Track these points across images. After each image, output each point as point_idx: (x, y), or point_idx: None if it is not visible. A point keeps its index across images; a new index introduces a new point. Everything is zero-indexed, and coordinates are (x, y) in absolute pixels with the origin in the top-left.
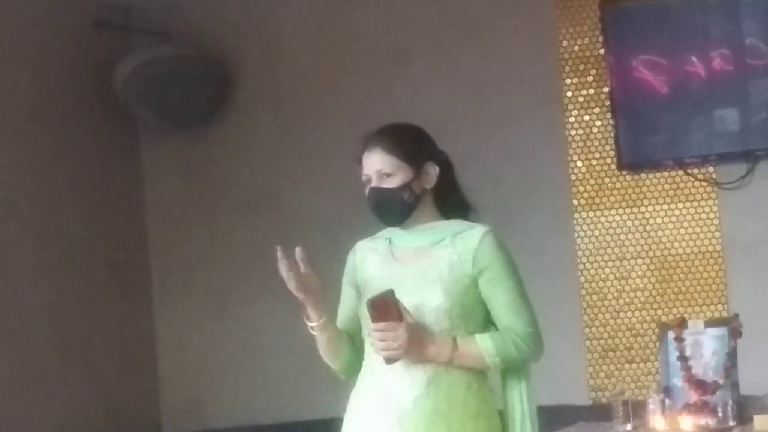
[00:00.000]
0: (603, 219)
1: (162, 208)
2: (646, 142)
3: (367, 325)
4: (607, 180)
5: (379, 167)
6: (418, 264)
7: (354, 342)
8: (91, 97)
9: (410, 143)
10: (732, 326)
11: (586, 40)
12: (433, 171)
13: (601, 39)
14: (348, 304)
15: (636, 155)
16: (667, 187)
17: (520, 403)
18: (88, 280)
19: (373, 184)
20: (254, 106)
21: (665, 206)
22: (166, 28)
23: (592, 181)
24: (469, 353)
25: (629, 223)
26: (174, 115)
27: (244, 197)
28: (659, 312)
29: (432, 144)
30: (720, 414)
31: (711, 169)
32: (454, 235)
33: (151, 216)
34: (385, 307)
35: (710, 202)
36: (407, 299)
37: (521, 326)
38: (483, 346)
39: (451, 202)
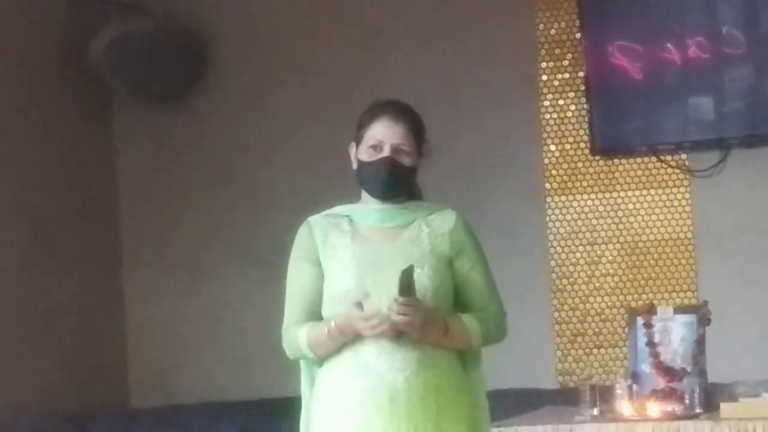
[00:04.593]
0: (575, 203)
1: (134, 181)
2: (620, 127)
3: (395, 299)
4: (580, 165)
5: (400, 141)
6: (396, 243)
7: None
8: (65, 69)
9: (424, 133)
10: (701, 313)
11: (563, 24)
12: (421, 163)
13: (577, 23)
14: (310, 282)
15: (610, 141)
16: (639, 173)
17: (480, 383)
18: (58, 251)
19: (387, 154)
20: (228, 81)
21: (637, 192)
22: (141, 2)
23: (565, 166)
24: (458, 334)
25: (601, 208)
26: (148, 89)
27: (216, 172)
28: (629, 298)
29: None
30: (687, 401)
31: (684, 156)
32: (425, 216)
33: (122, 188)
34: (410, 282)
35: (683, 190)
36: (395, 278)
37: (496, 308)
38: (470, 326)
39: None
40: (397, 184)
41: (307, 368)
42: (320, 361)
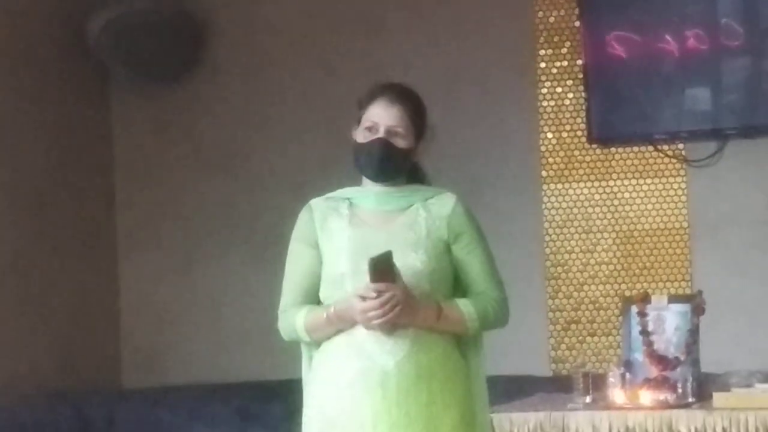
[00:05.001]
0: (571, 191)
1: (130, 161)
2: (617, 116)
3: (366, 284)
4: (576, 153)
5: (394, 123)
6: (392, 227)
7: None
8: (64, 48)
9: (423, 117)
10: (695, 303)
11: (562, 12)
12: (422, 148)
13: (577, 11)
14: (308, 265)
15: (607, 129)
16: (636, 162)
17: (478, 369)
18: (53, 231)
19: (382, 135)
20: (227, 63)
21: (633, 181)
22: None
23: (561, 153)
24: (453, 318)
25: (597, 196)
26: (146, 70)
27: (212, 154)
28: (623, 286)
29: (427, 121)
30: (680, 390)
31: (681, 146)
32: (424, 200)
33: (119, 169)
34: (385, 267)
35: (678, 179)
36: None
37: (495, 292)
38: (466, 310)
39: (413, 171)
40: (389, 165)
41: (307, 351)
42: (316, 344)
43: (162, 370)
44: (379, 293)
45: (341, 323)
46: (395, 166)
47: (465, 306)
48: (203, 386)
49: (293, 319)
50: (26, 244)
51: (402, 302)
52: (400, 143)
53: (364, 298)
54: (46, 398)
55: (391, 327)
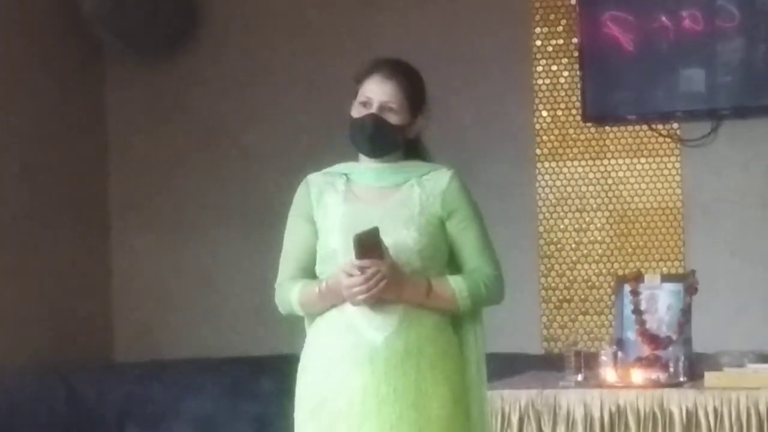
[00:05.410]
0: (565, 170)
1: (124, 136)
2: (612, 95)
3: (351, 261)
4: (571, 131)
5: (387, 99)
6: (387, 203)
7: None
8: (57, 21)
9: (419, 92)
10: (688, 282)
11: None
12: (420, 124)
13: None
14: (304, 240)
15: (601, 108)
16: (630, 141)
17: (475, 345)
18: (45, 205)
19: (375, 110)
20: (222, 39)
21: (628, 160)
22: None
23: (556, 132)
24: (443, 294)
25: (591, 175)
26: (140, 42)
27: (207, 130)
28: (616, 265)
29: (426, 97)
30: (671, 369)
31: (675, 125)
32: (420, 176)
33: (112, 143)
34: (371, 244)
35: (673, 159)
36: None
37: (489, 269)
38: (456, 287)
39: (413, 147)
40: (381, 141)
41: (306, 326)
42: (311, 318)
43: (153, 344)
44: (363, 269)
45: (333, 298)
46: (387, 141)
47: (456, 283)
48: (195, 361)
49: (289, 293)
50: (18, 218)
51: (388, 278)
52: (393, 119)
53: (350, 275)
54: (37, 372)
55: (377, 302)
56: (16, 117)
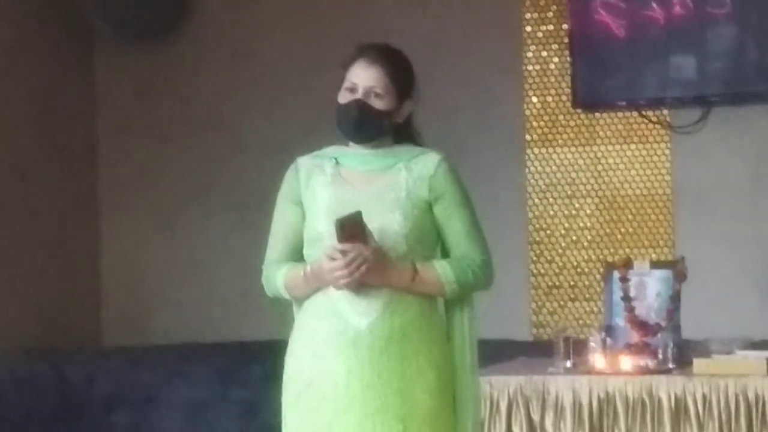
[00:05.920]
0: (555, 156)
1: (113, 121)
2: (602, 82)
3: (333, 245)
4: (561, 117)
5: (372, 84)
6: (373, 187)
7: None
8: (47, 6)
9: (406, 75)
10: (677, 269)
11: None
12: (408, 108)
13: None
14: (291, 222)
15: (592, 94)
16: (620, 127)
17: (462, 331)
18: (35, 190)
19: (360, 96)
20: (212, 25)
21: (618, 147)
22: None
23: (546, 118)
24: (429, 279)
25: (581, 161)
26: (131, 26)
27: (196, 116)
28: (605, 252)
29: (415, 81)
30: (660, 356)
31: (665, 112)
32: (408, 160)
33: (102, 129)
34: (354, 228)
35: (663, 145)
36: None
37: (477, 254)
38: (442, 272)
39: (404, 131)
40: (365, 126)
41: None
42: (297, 302)
43: (142, 329)
44: (345, 253)
45: (317, 282)
46: (373, 127)
47: (442, 268)
48: (183, 346)
49: (275, 276)
50: (8, 204)
51: (370, 262)
52: (378, 104)
53: (332, 258)
54: (26, 356)
55: (361, 287)
56: (5, 103)
